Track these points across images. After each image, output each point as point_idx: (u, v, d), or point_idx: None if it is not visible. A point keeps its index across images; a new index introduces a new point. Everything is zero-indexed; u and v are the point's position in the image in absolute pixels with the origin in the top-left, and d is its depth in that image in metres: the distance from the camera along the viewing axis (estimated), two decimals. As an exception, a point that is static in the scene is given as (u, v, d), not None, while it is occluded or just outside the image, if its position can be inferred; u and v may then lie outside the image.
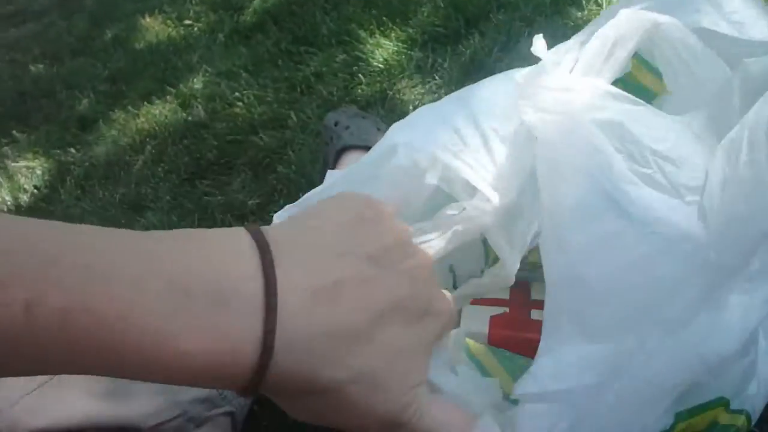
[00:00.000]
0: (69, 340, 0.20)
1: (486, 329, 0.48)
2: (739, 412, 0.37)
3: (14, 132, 1.38)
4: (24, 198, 1.17)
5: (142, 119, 1.22)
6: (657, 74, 0.41)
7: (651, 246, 0.29)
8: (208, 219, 0.92)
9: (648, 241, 0.29)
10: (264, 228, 0.24)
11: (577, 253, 0.30)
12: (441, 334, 0.27)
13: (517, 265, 0.36)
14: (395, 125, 0.39)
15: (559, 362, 0.29)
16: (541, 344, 0.30)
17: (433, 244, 0.31)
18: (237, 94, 1.13)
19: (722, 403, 0.33)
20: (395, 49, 1.03)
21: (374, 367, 0.23)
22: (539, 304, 0.49)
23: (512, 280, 0.37)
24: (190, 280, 0.21)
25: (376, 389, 0.23)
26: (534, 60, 0.40)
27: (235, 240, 0.23)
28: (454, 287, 0.55)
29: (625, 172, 0.29)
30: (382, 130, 0.89)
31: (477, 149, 0.35)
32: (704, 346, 0.28)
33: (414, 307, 0.25)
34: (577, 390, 0.28)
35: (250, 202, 0.91)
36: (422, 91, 0.96)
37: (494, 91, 0.38)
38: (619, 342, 0.28)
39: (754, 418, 0.38)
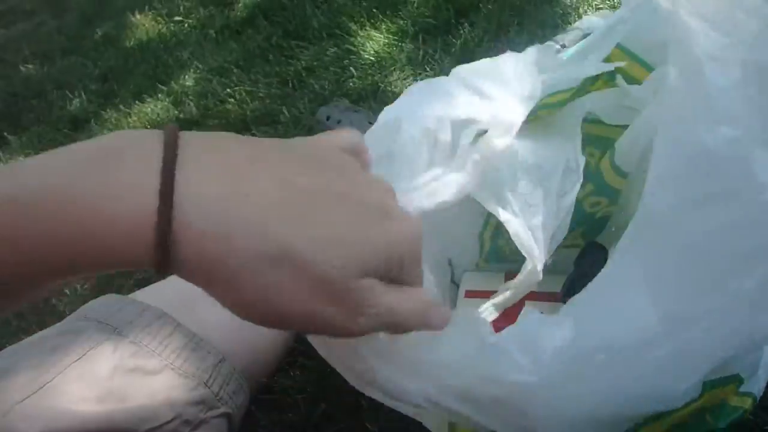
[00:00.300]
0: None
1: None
2: (748, 394, 0.37)
3: (5, 134, 1.37)
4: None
5: (134, 118, 1.21)
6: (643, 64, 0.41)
7: (759, 211, 0.27)
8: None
9: (757, 206, 0.27)
10: (185, 133, 0.22)
11: (679, 203, 0.29)
12: (404, 246, 0.24)
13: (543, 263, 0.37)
14: (384, 110, 0.39)
15: (614, 307, 0.28)
16: (597, 283, 0.29)
17: (455, 178, 0.31)
18: (228, 90, 1.12)
19: (738, 380, 0.33)
20: (386, 41, 1.02)
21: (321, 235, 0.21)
22: (534, 296, 0.49)
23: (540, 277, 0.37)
24: (94, 151, 0.21)
25: (328, 256, 0.21)
26: (522, 49, 0.41)
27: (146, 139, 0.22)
28: (452, 281, 0.55)
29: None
30: (373, 124, 0.88)
31: (472, 102, 0.36)
32: (755, 322, 0.28)
33: (357, 197, 0.23)
34: (626, 339, 0.28)
35: (243, 200, 0.91)
36: (414, 82, 0.95)
37: (469, 68, 0.39)
38: (686, 303, 0.28)
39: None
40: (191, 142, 0.22)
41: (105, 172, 0.20)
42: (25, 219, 0.19)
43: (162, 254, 0.20)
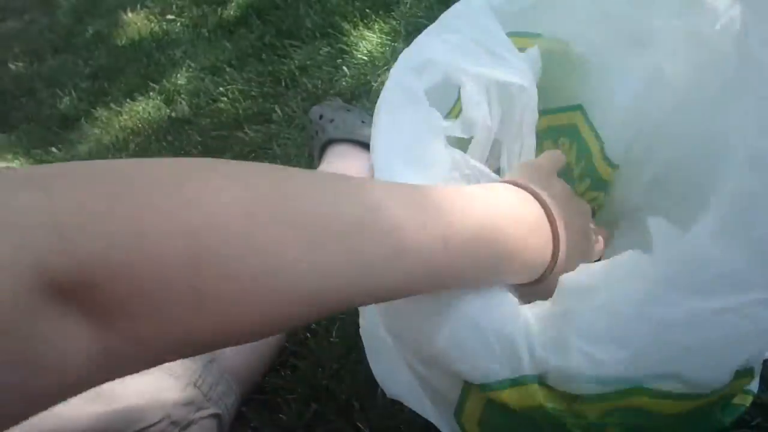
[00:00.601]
0: (474, 261, 0.30)
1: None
2: (749, 392, 0.37)
3: (-5, 132, 1.36)
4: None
5: (125, 116, 1.20)
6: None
7: None
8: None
9: None
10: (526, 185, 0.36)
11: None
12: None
13: None
14: (403, 54, 0.44)
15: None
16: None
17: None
18: (221, 89, 1.11)
19: (751, 375, 0.32)
20: (379, 41, 1.02)
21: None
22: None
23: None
24: (520, 218, 0.34)
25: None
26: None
27: (520, 193, 0.36)
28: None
29: None
30: (366, 123, 0.88)
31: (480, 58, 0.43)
32: None
33: (586, 230, 0.40)
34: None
35: (235, 199, 0.90)
36: (407, 82, 0.95)
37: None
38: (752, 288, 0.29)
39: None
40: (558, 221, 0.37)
41: (530, 233, 0.35)
42: (486, 246, 0.31)
43: (552, 264, 0.36)
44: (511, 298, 0.34)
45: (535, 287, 0.36)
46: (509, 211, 0.34)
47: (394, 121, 0.40)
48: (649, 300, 0.30)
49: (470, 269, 0.31)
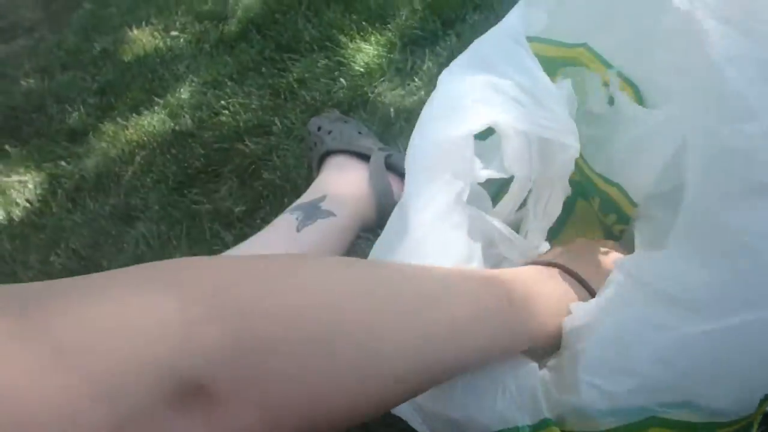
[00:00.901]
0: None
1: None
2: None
3: (6, 147, 1.40)
4: (16, 212, 1.19)
5: (131, 130, 1.23)
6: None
7: None
8: (196, 227, 0.94)
9: None
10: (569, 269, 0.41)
11: (720, 200, 0.30)
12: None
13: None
14: (437, 95, 0.44)
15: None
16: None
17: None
18: (222, 102, 1.15)
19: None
20: (375, 52, 1.05)
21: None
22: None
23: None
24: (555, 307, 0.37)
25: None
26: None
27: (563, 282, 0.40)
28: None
29: None
30: (363, 134, 0.90)
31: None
32: None
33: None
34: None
35: (236, 210, 0.93)
36: (402, 93, 0.97)
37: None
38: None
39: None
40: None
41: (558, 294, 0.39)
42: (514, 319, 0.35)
43: None
44: (525, 357, 0.35)
45: None
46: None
47: (429, 175, 0.40)
48: (644, 325, 0.31)
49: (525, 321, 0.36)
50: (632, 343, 0.31)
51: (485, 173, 0.41)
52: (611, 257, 0.43)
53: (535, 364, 0.35)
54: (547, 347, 0.37)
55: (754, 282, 0.29)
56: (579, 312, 0.34)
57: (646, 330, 0.31)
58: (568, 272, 0.40)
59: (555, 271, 0.40)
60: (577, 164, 0.46)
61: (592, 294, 0.38)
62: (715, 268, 0.30)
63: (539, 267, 0.41)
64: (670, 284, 0.31)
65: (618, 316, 0.32)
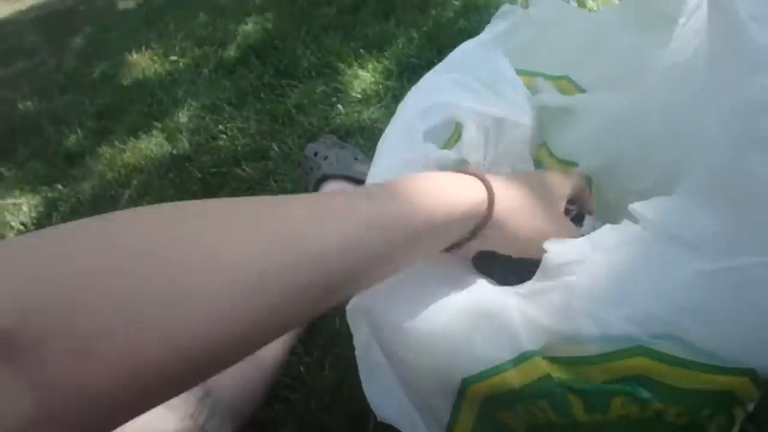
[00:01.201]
0: (406, 242, 0.33)
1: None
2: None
3: (1, 169, 1.40)
4: (10, 236, 1.18)
5: (129, 154, 1.24)
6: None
7: None
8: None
9: None
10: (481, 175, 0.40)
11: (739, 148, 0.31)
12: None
13: None
14: (411, 93, 0.49)
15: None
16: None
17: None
18: (221, 126, 1.15)
19: (751, 376, 0.32)
20: (372, 79, 1.06)
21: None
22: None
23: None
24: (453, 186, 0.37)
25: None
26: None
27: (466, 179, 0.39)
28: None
29: None
30: (359, 160, 0.91)
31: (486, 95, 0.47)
32: None
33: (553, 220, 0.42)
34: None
35: (233, 234, 0.93)
36: (399, 119, 0.98)
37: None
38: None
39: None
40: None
41: (462, 186, 0.38)
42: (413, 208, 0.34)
43: (488, 211, 0.37)
44: (489, 283, 0.36)
45: (471, 244, 0.39)
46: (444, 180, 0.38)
47: (391, 157, 0.44)
48: (645, 260, 0.32)
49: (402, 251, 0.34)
50: (630, 276, 0.32)
51: (437, 154, 0.44)
52: (557, 180, 0.43)
53: (506, 298, 0.35)
54: (449, 236, 0.37)
55: (760, 229, 0.30)
56: (567, 246, 0.35)
57: (647, 264, 0.32)
58: (477, 177, 0.38)
59: (464, 175, 0.39)
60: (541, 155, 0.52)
61: (491, 200, 0.37)
62: (724, 213, 0.31)
63: (449, 173, 0.39)
64: (677, 225, 0.32)
65: (622, 252, 0.33)
